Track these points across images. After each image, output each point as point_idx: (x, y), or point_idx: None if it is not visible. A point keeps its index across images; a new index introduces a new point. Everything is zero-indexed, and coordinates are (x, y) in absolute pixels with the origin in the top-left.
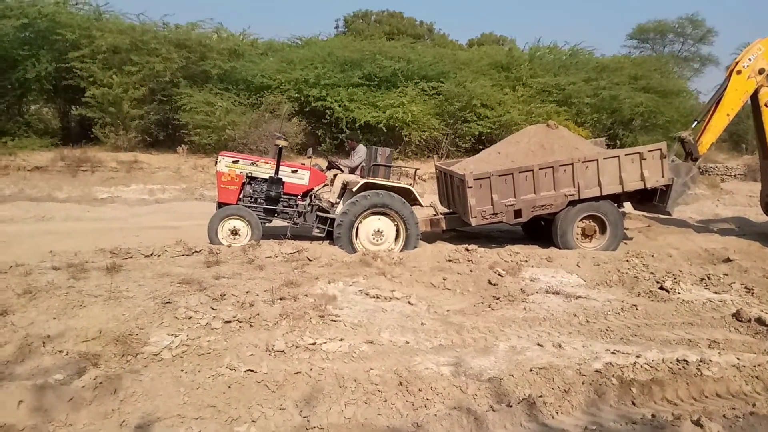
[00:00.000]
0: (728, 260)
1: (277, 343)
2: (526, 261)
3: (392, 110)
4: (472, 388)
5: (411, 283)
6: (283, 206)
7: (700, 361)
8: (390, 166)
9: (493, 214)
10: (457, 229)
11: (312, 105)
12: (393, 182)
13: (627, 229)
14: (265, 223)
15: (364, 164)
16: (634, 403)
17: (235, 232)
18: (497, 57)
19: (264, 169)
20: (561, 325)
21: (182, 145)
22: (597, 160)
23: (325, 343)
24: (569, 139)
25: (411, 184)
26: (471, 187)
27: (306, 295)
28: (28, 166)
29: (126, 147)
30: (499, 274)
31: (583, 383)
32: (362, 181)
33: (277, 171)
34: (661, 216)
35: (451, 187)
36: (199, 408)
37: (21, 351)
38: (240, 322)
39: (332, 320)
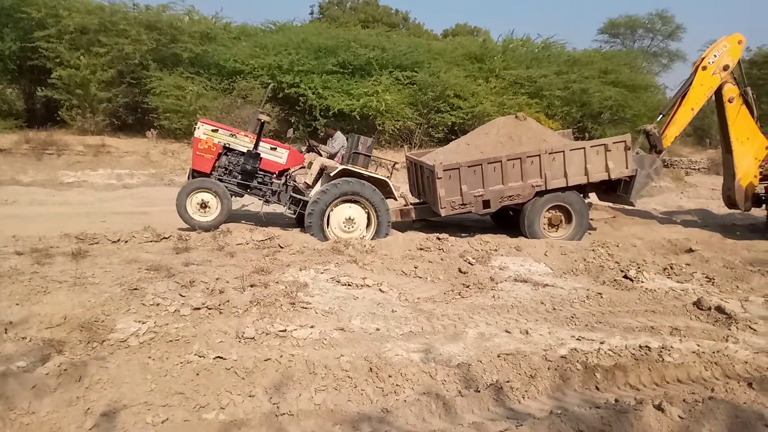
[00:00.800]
0: (690, 251)
1: (247, 330)
2: (496, 250)
3: (366, 99)
4: (441, 374)
5: (382, 271)
6: (258, 182)
7: (662, 348)
8: (369, 156)
9: (462, 205)
10: (427, 219)
11: (285, 92)
12: (371, 172)
13: (593, 219)
14: (235, 196)
15: (343, 151)
16: (598, 388)
17: (204, 206)
18: (471, 48)
19: (243, 142)
20: (528, 312)
21: (151, 130)
22: (564, 151)
23: (295, 330)
24: (537, 131)
25: (388, 177)
26: (440, 178)
27: (277, 283)
28: None
29: (93, 130)
30: (469, 263)
31: (548, 369)
32: (340, 167)
33: (256, 145)
34: (627, 207)
35: (421, 178)
36: (167, 395)
37: None
38: (209, 309)
39: (303, 307)
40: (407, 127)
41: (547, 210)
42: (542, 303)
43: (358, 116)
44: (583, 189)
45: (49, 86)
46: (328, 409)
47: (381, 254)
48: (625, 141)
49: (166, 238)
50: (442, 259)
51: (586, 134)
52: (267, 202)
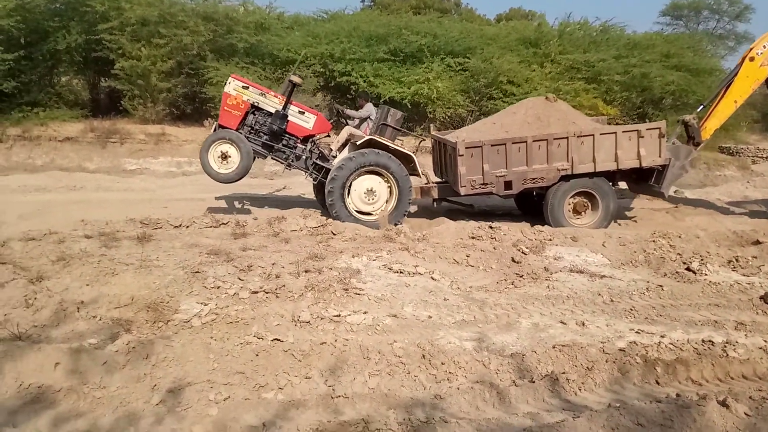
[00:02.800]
0: (757, 242)
1: (303, 314)
2: (551, 239)
3: (417, 86)
4: (495, 363)
5: (434, 259)
6: (282, 145)
7: (726, 343)
8: (399, 130)
9: (482, 184)
10: (449, 200)
11: (337, 80)
12: (397, 146)
13: (653, 209)
14: (258, 156)
15: (370, 122)
16: (658, 383)
17: (225, 157)
18: (525, 32)
19: (272, 102)
20: (585, 303)
21: (209, 119)
22: (593, 135)
23: (349, 315)
24: (567, 113)
25: (414, 152)
26: (462, 156)
27: (330, 269)
28: (59, 137)
29: (154, 119)
30: (522, 252)
31: (606, 361)
32: (367, 137)
33: (285, 107)
34: (689, 197)
35: (444, 157)
36: (228, 374)
37: (56, 315)
38: (266, 292)
39: (356, 293)
40: (458, 114)
41: (572, 196)
42: (599, 294)
43: (408, 104)
44: (612, 177)
45: (112, 77)
46: (382, 393)
47: (433, 242)
48: (659, 128)
49: (224, 224)
50: (494, 248)
51: (647, 120)
52: (289, 166)
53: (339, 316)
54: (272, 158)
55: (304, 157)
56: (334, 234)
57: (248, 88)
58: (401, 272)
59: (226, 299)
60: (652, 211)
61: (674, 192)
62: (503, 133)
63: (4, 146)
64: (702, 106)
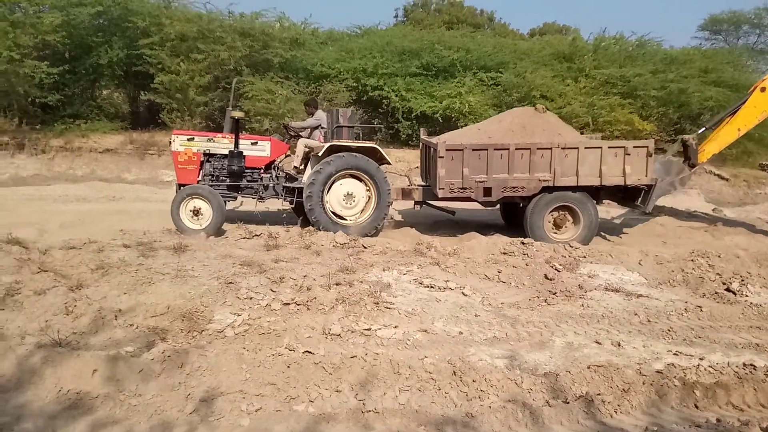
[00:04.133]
0: None
1: (334, 326)
2: (584, 257)
3: (449, 100)
4: (527, 383)
5: (465, 274)
6: (247, 181)
7: None
8: (353, 127)
9: (461, 188)
10: (431, 204)
11: (369, 94)
12: (358, 143)
13: (692, 227)
14: (228, 200)
15: (323, 129)
16: (697, 406)
17: (196, 213)
18: (560, 47)
19: (222, 144)
20: (620, 323)
21: (244, 132)
22: (578, 148)
23: (379, 329)
24: (554, 125)
25: (375, 142)
26: (442, 157)
27: (361, 282)
28: (100, 148)
29: None
30: (555, 269)
31: (643, 383)
32: (327, 144)
33: (236, 144)
34: (729, 215)
35: (428, 160)
36: (260, 385)
37: (95, 323)
38: (298, 304)
39: (387, 307)
40: None
41: (552, 210)
42: (636, 314)
43: (440, 118)
44: (596, 193)
45: (151, 91)
46: (412, 410)
47: (464, 257)
48: (647, 146)
49: (257, 236)
50: (526, 265)
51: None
52: (261, 199)
53: (369, 329)
54: (243, 197)
55: (271, 185)
56: (365, 247)
57: (193, 139)
58: (432, 287)
59: (258, 310)
60: (690, 229)
61: (713, 210)
62: (486, 138)
63: (46, 157)
64: (704, 129)
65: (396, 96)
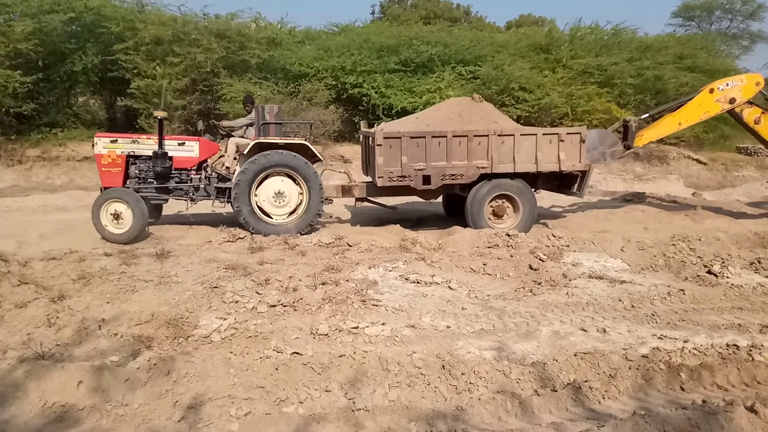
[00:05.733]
0: None
1: (321, 326)
2: (568, 246)
3: (429, 95)
4: (516, 373)
5: (451, 268)
6: (176, 182)
7: (752, 347)
8: (281, 123)
9: (400, 177)
10: (371, 200)
11: (349, 92)
12: (286, 139)
13: (675, 211)
14: (159, 202)
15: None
16: (683, 389)
17: (117, 217)
18: (536, 38)
19: (146, 145)
20: (605, 310)
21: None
22: (513, 135)
23: (367, 327)
24: (491, 114)
25: (305, 138)
26: (380, 145)
27: (347, 280)
28: (77, 157)
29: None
30: (540, 259)
31: (629, 368)
32: (252, 142)
33: (160, 145)
34: (708, 198)
35: (368, 152)
36: (249, 389)
37: (78, 334)
38: (284, 306)
39: (374, 305)
40: None
41: (492, 200)
42: (620, 300)
43: None
44: (534, 181)
45: (128, 96)
46: (402, 406)
47: (449, 251)
48: (580, 133)
49: (241, 239)
50: (511, 256)
51: None
52: (192, 200)
53: (357, 327)
54: (175, 199)
55: (202, 186)
56: (350, 246)
57: (116, 141)
58: (418, 282)
59: (244, 313)
60: (670, 214)
61: (692, 194)
62: (424, 126)
63: (23, 167)
64: (648, 115)
65: (376, 93)
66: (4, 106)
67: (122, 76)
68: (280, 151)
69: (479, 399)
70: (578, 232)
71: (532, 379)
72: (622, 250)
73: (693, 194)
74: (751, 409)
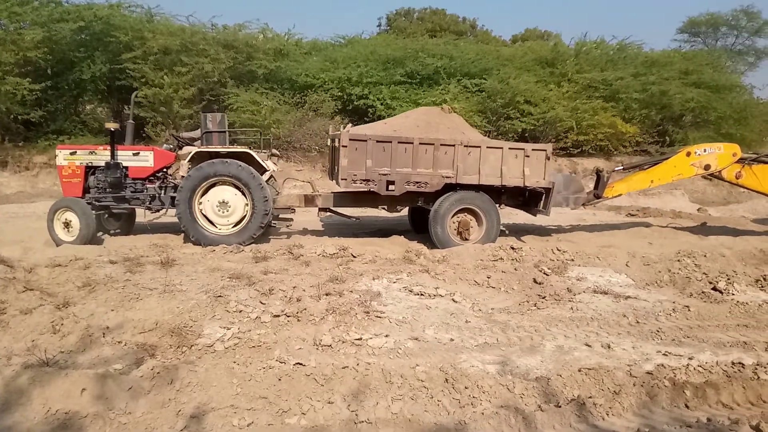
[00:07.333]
0: None
1: (324, 337)
2: (572, 260)
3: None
4: (519, 388)
5: (454, 281)
6: (131, 192)
7: (757, 365)
8: (224, 132)
9: (364, 180)
10: (334, 211)
11: (354, 103)
12: (229, 148)
13: (678, 228)
14: (121, 211)
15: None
16: (687, 406)
17: (67, 224)
18: (542, 53)
19: (103, 157)
20: (610, 325)
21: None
22: (480, 147)
23: (370, 338)
24: (459, 125)
25: (251, 148)
26: (345, 146)
27: (351, 291)
28: None
29: None
30: (544, 273)
31: (634, 385)
32: (192, 151)
33: (112, 155)
34: (713, 214)
35: (334, 154)
36: (251, 399)
37: (83, 341)
38: (288, 316)
39: (377, 316)
40: None
41: (456, 213)
42: (624, 316)
43: None
44: (498, 196)
45: (136, 105)
46: (405, 419)
47: (453, 264)
48: (545, 150)
49: (245, 248)
50: (515, 269)
51: (667, 138)
52: (149, 209)
53: (360, 339)
54: (133, 207)
55: (157, 195)
56: (354, 257)
57: (75, 152)
58: (422, 294)
59: (248, 323)
60: (675, 230)
61: (698, 210)
62: (391, 132)
63: (30, 174)
64: (621, 168)
65: (381, 104)
66: (13, 113)
67: (130, 85)
68: (225, 160)
69: (482, 413)
70: (583, 246)
71: (536, 395)
72: (627, 265)
73: (698, 210)
74: (757, 429)
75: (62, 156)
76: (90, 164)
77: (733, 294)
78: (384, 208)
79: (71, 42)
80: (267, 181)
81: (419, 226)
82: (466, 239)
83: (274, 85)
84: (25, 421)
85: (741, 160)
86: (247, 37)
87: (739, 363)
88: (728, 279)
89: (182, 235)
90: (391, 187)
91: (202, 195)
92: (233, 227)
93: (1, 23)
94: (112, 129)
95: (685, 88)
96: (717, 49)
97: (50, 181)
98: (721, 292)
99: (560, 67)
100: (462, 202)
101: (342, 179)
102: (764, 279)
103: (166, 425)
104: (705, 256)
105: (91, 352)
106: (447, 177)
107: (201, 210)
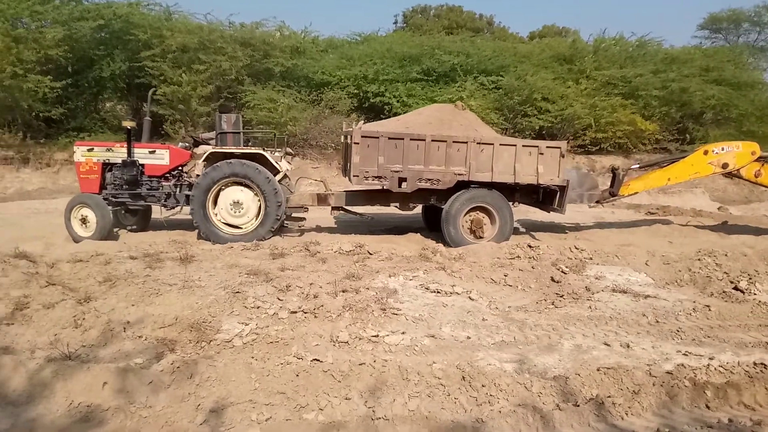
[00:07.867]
0: None
1: (341, 334)
2: (591, 258)
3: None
4: (537, 386)
5: (471, 279)
6: (147, 189)
7: None
8: (239, 132)
9: (376, 177)
10: (346, 210)
11: (371, 101)
12: (242, 149)
13: (698, 226)
14: (137, 208)
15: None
16: (708, 407)
17: (84, 221)
18: (560, 49)
19: (119, 154)
20: (629, 324)
21: (248, 143)
22: (493, 144)
23: (387, 335)
24: (472, 121)
25: (265, 149)
26: (357, 143)
27: (367, 288)
28: None
29: None
30: (562, 272)
31: (653, 384)
32: (207, 151)
33: (129, 153)
34: (735, 213)
35: (347, 151)
36: (270, 394)
37: (104, 335)
38: (305, 312)
39: (394, 313)
40: None
41: (469, 212)
42: (644, 315)
43: None
44: (512, 194)
45: (154, 102)
46: (422, 416)
47: (469, 261)
48: (560, 147)
49: (262, 245)
50: (533, 268)
51: (687, 135)
52: (165, 206)
53: (377, 336)
54: (149, 204)
55: (173, 193)
56: (371, 254)
57: (93, 149)
58: (438, 292)
59: (265, 319)
60: (696, 229)
61: (718, 209)
62: (404, 128)
63: (51, 170)
64: (637, 166)
65: (398, 102)
66: (34, 110)
67: (149, 83)
68: (240, 160)
69: (500, 412)
70: (601, 244)
71: (554, 393)
72: (646, 263)
73: (719, 208)
74: None
75: (80, 152)
76: (107, 161)
77: (755, 294)
78: (396, 206)
79: (91, 40)
80: (280, 181)
81: (433, 224)
82: (480, 237)
83: (290, 82)
84: (48, 414)
85: (760, 159)
86: (264, 35)
87: (761, 363)
88: (750, 278)
89: (196, 231)
90: (403, 184)
91: (217, 195)
92: (248, 226)
93: (23, 22)
94: (129, 128)
95: (705, 86)
96: (739, 46)
97: (71, 177)
98: (742, 292)
99: (578, 63)
100: (473, 200)
101: (354, 176)
102: None
103: (186, 419)
104: (726, 255)
105: (112, 347)
106: (459, 174)
107: (215, 210)
